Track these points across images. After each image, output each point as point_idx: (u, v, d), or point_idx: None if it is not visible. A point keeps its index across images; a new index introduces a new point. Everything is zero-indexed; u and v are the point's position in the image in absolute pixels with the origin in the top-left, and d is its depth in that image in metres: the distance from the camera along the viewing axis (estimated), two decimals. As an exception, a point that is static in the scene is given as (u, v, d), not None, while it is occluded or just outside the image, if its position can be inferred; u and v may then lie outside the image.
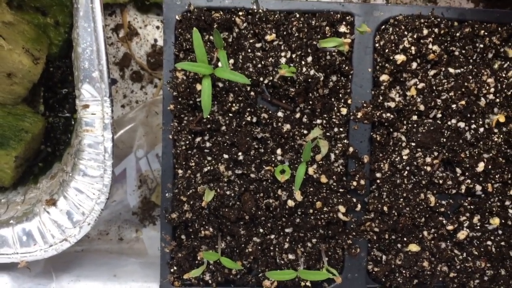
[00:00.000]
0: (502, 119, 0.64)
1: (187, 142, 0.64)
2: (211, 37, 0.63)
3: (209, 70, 0.57)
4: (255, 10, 0.63)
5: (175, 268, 0.66)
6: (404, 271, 0.65)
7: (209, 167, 0.64)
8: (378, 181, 0.65)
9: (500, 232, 0.65)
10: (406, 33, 0.63)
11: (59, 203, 0.65)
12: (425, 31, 0.63)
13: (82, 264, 0.76)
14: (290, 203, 0.63)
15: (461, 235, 0.65)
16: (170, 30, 0.64)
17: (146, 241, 0.84)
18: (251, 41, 0.63)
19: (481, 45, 0.64)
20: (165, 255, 0.66)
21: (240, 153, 0.64)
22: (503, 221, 0.65)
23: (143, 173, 0.83)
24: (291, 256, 0.65)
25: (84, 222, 0.65)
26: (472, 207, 0.65)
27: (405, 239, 0.65)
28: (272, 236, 0.66)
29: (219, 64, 0.62)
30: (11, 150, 0.69)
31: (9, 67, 0.66)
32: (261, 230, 0.65)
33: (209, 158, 0.64)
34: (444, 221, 0.65)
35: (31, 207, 0.67)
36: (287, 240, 0.65)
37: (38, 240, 0.65)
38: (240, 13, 0.63)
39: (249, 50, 0.63)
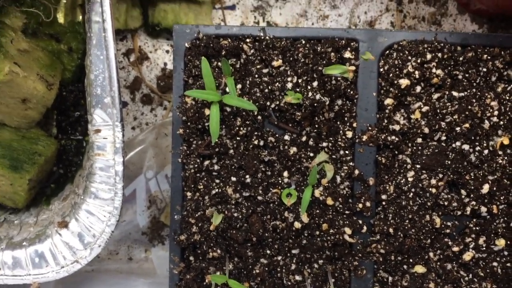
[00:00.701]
0: (506, 141, 0.65)
1: (196, 165, 0.65)
2: (219, 63, 0.65)
3: (217, 97, 0.59)
4: (262, 37, 0.65)
5: (184, 289, 0.67)
6: (410, 293, 0.65)
7: (217, 190, 0.65)
8: (384, 203, 0.66)
9: (506, 253, 0.66)
10: (410, 58, 0.64)
11: (70, 225, 0.66)
12: (429, 56, 0.64)
13: (92, 284, 0.77)
14: (297, 225, 0.64)
15: (467, 256, 0.65)
16: (179, 57, 0.66)
17: (155, 261, 0.86)
18: (258, 66, 0.65)
19: (484, 69, 0.65)
20: (173, 276, 0.67)
21: (247, 176, 0.65)
22: (508, 242, 0.65)
23: (153, 194, 0.85)
24: (298, 277, 0.66)
25: (95, 244, 0.66)
26: (477, 228, 0.66)
27: (411, 260, 0.66)
28: (279, 258, 0.66)
29: (227, 89, 0.63)
30: (25, 173, 0.71)
31: (24, 93, 0.68)
32: (268, 252, 0.66)
33: (217, 181, 0.66)
34: (449, 243, 0.66)
35: (43, 228, 0.69)
36: (294, 261, 0.66)
37: (50, 261, 0.66)
38: (248, 40, 0.65)
39: (256, 76, 0.65)
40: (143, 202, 0.84)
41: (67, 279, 0.69)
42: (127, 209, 0.84)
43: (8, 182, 0.70)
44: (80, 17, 0.82)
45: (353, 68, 0.61)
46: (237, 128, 0.65)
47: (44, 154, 0.73)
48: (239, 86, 0.65)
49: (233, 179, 0.65)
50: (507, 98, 0.65)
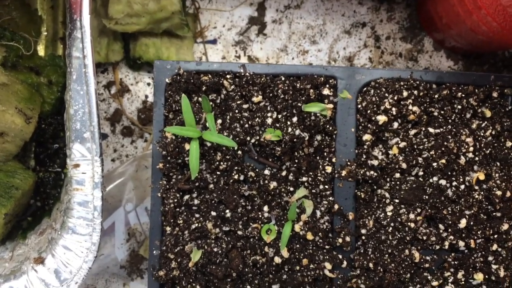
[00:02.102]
0: (482, 176, 0.66)
1: (176, 200, 0.65)
2: (199, 98, 0.66)
3: (197, 133, 0.59)
4: (243, 74, 0.66)
5: (162, 327, 0.65)
6: (391, 329, 0.65)
7: (197, 224, 0.65)
8: (364, 237, 0.66)
9: (484, 287, 0.66)
10: (387, 95, 0.66)
11: (47, 261, 0.65)
12: (405, 93, 0.66)
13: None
14: (277, 259, 0.64)
15: (446, 291, 0.66)
16: (160, 92, 0.66)
17: (134, 296, 0.84)
18: (238, 102, 0.66)
19: (459, 106, 0.67)
20: (152, 313, 0.66)
21: (227, 211, 0.65)
22: (486, 276, 0.66)
23: (132, 227, 0.84)
24: (278, 314, 0.65)
25: (71, 281, 0.64)
26: (456, 262, 0.66)
27: (391, 296, 0.66)
28: (260, 294, 0.66)
29: (207, 124, 0.64)
30: (0, 207, 0.69)
31: (1, 127, 0.67)
32: (248, 287, 0.65)
33: (197, 216, 0.65)
34: (429, 277, 0.66)
35: (19, 264, 0.67)
36: (275, 297, 0.66)
37: (24, 299, 0.64)
38: (228, 76, 0.66)
39: (237, 111, 0.66)
40: (122, 235, 0.83)
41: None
42: (105, 242, 0.83)
43: (-17, 216, 0.69)
44: (61, 50, 0.82)
45: (331, 106, 0.62)
46: (217, 163, 0.65)
47: (21, 188, 0.72)
48: (219, 121, 0.66)
49: (213, 213, 0.65)
50: (482, 134, 0.66)
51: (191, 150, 0.59)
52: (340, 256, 0.65)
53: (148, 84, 0.86)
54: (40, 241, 0.70)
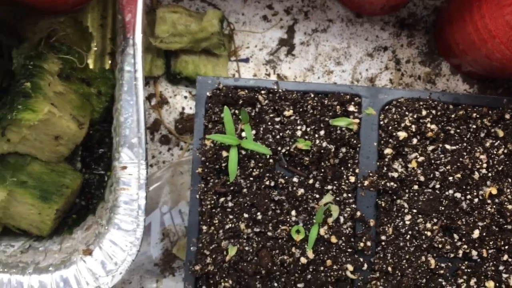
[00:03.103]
0: (494, 191, 0.71)
1: (212, 201, 0.72)
2: (236, 111, 0.73)
3: (236, 141, 0.66)
4: (276, 90, 0.73)
5: (195, 318, 0.72)
6: (406, 329, 0.70)
7: (230, 225, 0.71)
8: (383, 243, 0.72)
9: (494, 295, 0.71)
10: (407, 113, 0.72)
11: (94, 253, 0.72)
12: (424, 112, 0.72)
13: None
14: (303, 260, 0.70)
15: (459, 296, 0.71)
16: (201, 104, 0.73)
17: (165, 292, 0.90)
18: (271, 115, 0.73)
19: (474, 126, 0.73)
20: (186, 305, 0.72)
21: (259, 213, 0.71)
22: (497, 284, 0.71)
23: (166, 227, 0.90)
24: (302, 311, 0.71)
25: (116, 271, 0.71)
26: (469, 270, 0.71)
27: (407, 298, 0.71)
28: (285, 291, 0.72)
29: (243, 134, 0.71)
30: (53, 203, 0.77)
31: (57, 131, 0.75)
32: (275, 284, 0.71)
33: (231, 217, 0.72)
34: (443, 283, 0.71)
35: (68, 255, 0.74)
36: (299, 295, 0.72)
37: (73, 286, 0.71)
38: (263, 92, 0.73)
39: (269, 123, 0.73)
40: (157, 235, 0.90)
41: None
42: (142, 241, 0.89)
43: (37, 211, 0.76)
44: (108, 64, 0.90)
45: (357, 121, 0.68)
46: (250, 169, 0.71)
47: (71, 187, 0.79)
48: (253, 132, 0.73)
49: (246, 215, 0.71)
50: (495, 152, 0.72)
51: (230, 156, 0.66)
52: (361, 259, 0.71)
53: (185, 97, 0.93)
54: (87, 235, 0.77)
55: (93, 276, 0.71)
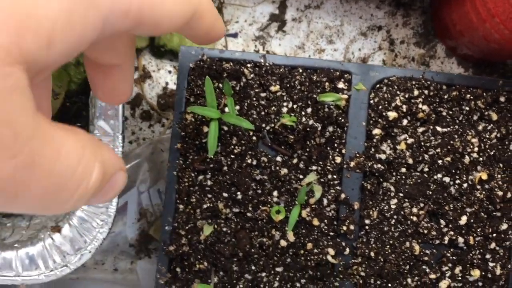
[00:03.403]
0: (484, 176, 0.69)
1: (190, 179, 0.68)
2: (220, 85, 0.69)
3: (217, 114, 0.63)
4: (262, 64, 0.69)
5: (169, 299, 0.68)
6: (388, 317, 0.68)
7: (208, 204, 0.68)
8: (367, 227, 0.69)
9: (480, 284, 0.69)
10: (398, 92, 0.69)
11: (63, 230, 0.68)
12: (416, 92, 0.69)
13: (78, 291, 0.78)
14: (283, 243, 0.67)
15: (443, 284, 0.68)
16: (183, 76, 0.69)
17: (140, 273, 0.87)
18: (256, 90, 0.69)
19: (467, 108, 0.70)
20: (159, 286, 0.69)
21: (239, 193, 0.68)
22: (483, 273, 0.68)
23: (144, 207, 0.87)
24: (281, 295, 0.68)
25: (85, 250, 0.68)
26: (454, 258, 0.69)
27: (389, 285, 0.68)
28: (263, 274, 0.69)
29: (226, 109, 0.67)
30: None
31: (30, 99, 0.71)
32: (253, 268, 0.68)
33: (209, 196, 0.68)
34: (427, 270, 0.68)
35: (36, 232, 0.71)
36: (277, 279, 0.69)
37: (40, 264, 0.68)
38: (249, 65, 0.69)
39: (254, 99, 0.69)
40: (133, 215, 0.86)
41: (51, 285, 0.70)
42: (117, 221, 0.86)
43: (6, 184, 0.72)
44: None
45: (345, 97, 0.65)
46: (232, 146, 0.68)
47: (43, 160, 0.75)
48: (237, 107, 0.69)
49: (225, 195, 0.68)
50: (487, 136, 0.69)
51: (210, 130, 0.62)
52: (343, 244, 0.68)
53: (169, 72, 0.89)
54: (58, 211, 0.73)
55: (61, 254, 0.67)
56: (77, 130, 0.30)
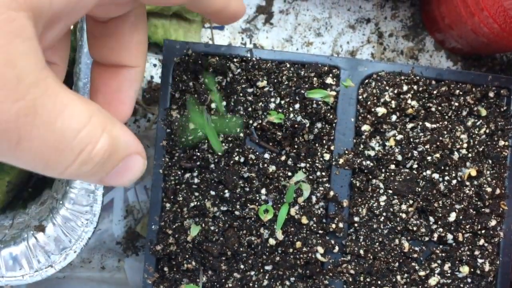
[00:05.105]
0: (473, 173, 0.68)
1: (177, 177, 0.67)
2: (206, 80, 0.67)
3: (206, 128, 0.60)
4: (249, 58, 0.67)
5: (156, 299, 0.67)
6: (377, 314, 0.68)
7: (196, 203, 0.66)
8: (356, 225, 0.68)
9: (469, 280, 0.69)
10: (387, 88, 0.68)
11: (47, 230, 0.67)
12: (405, 87, 0.68)
13: (64, 291, 0.77)
14: (271, 241, 0.66)
15: (432, 281, 0.68)
16: (167, 71, 0.68)
17: (128, 271, 0.86)
18: (243, 86, 0.68)
19: (456, 103, 0.69)
20: (146, 286, 0.68)
21: (226, 191, 0.67)
22: (472, 269, 0.68)
23: (130, 204, 0.85)
24: (269, 294, 0.68)
25: (70, 250, 0.66)
26: (443, 254, 0.69)
27: (379, 282, 0.68)
28: (252, 273, 0.68)
29: (212, 105, 0.66)
30: (4, 175, 0.71)
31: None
32: (242, 266, 0.68)
33: (197, 194, 0.67)
34: (416, 267, 0.68)
35: (19, 231, 0.69)
36: (267, 277, 0.68)
37: (24, 265, 0.66)
38: (235, 60, 0.68)
39: (241, 94, 0.67)
40: (120, 212, 0.85)
41: (38, 284, 0.68)
42: (103, 218, 0.85)
43: (-13, 183, 0.71)
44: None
45: (334, 93, 0.64)
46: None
47: (25, 158, 0.73)
48: (224, 103, 0.67)
49: (212, 193, 0.67)
50: (476, 132, 0.69)
51: (209, 136, 0.60)
52: (333, 242, 0.67)
53: (154, 65, 0.87)
54: (41, 210, 0.72)
55: (45, 254, 0.66)
56: (90, 101, 0.30)
